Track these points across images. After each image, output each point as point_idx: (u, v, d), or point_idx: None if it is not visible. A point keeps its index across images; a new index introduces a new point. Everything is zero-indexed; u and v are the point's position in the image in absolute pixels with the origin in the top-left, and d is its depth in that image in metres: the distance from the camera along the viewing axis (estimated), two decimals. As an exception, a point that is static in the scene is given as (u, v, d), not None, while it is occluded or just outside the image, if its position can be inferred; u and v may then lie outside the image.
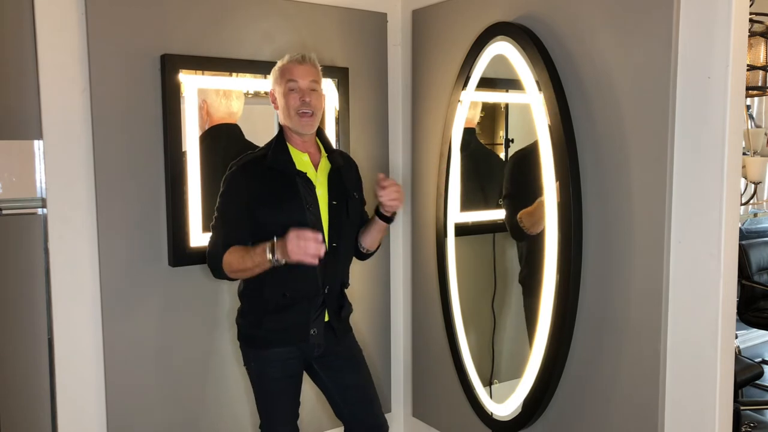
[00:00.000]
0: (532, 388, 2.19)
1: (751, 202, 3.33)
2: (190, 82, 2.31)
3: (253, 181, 1.95)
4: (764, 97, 3.68)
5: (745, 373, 3.10)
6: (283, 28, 2.53)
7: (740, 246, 4.07)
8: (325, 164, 2.06)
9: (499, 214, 2.47)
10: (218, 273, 1.98)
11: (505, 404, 2.34)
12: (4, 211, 2.19)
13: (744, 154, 3.06)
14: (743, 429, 2.65)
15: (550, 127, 2.06)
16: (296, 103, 1.95)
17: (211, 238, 2.00)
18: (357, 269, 2.65)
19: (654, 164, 1.82)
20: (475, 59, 2.38)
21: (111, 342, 2.28)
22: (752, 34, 2.72)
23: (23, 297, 2.22)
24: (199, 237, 2.34)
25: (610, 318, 1.97)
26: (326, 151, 2.08)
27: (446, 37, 2.58)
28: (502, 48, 2.25)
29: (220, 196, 1.99)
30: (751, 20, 2.61)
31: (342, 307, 2.10)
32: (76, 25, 2.17)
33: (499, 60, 2.28)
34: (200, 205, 2.34)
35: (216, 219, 1.99)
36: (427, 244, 2.74)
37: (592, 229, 2.01)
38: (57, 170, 2.18)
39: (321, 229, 2.00)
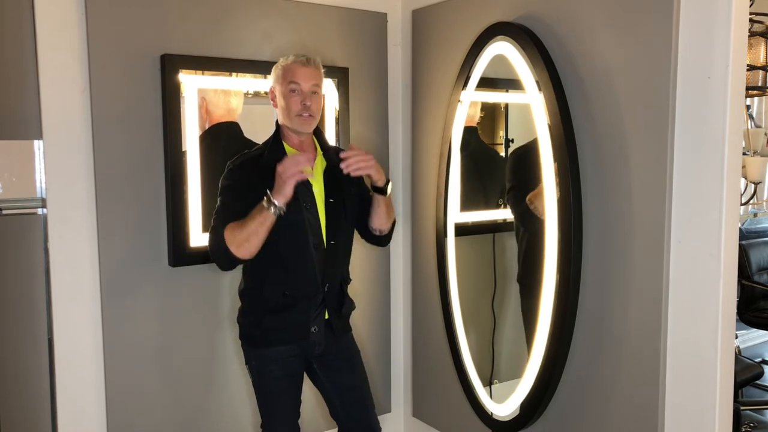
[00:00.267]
0: (532, 388, 2.19)
1: (751, 202, 3.33)
2: (190, 82, 2.31)
3: (250, 180, 1.95)
4: (764, 97, 3.68)
5: (745, 373, 3.10)
6: (283, 28, 2.53)
7: (740, 246, 4.07)
8: (321, 162, 2.07)
9: (499, 214, 2.47)
10: (225, 256, 1.90)
11: (505, 404, 2.34)
12: (4, 211, 2.19)
13: (744, 154, 3.06)
14: (743, 429, 2.64)
15: (550, 127, 2.06)
16: (297, 107, 1.96)
17: (210, 230, 1.96)
18: (357, 269, 2.66)
19: (654, 164, 1.82)
20: (475, 59, 2.38)
21: (111, 342, 2.28)
22: (752, 34, 2.72)
23: (23, 297, 2.22)
24: (199, 237, 2.34)
25: (610, 318, 1.97)
26: (322, 149, 2.09)
27: (446, 37, 2.58)
28: (502, 48, 2.25)
29: (218, 195, 1.99)
30: (751, 20, 2.61)
31: (342, 305, 2.10)
32: (76, 25, 2.17)
33: (499, 60, 2.28)
34: (200, 204, 2.34)
35: (214, 217, 1.98)
36: (427, 244, 2.74)
37: (592, 229, 2.01)
38: (57, 170, 2.18)
39: (318, 228, 2.00)
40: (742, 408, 2.67)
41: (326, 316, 2.05)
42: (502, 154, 2.50)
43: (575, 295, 2.05)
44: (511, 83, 2.24)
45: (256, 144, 2.26)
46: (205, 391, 2.49)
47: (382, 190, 2.04)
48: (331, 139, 2.64)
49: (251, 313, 2.07)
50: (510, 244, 2.45)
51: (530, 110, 2.15)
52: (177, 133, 2.29)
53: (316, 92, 1.99)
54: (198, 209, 2.34)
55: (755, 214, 4.79)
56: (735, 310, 1.85)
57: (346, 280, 2.14)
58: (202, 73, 2.35)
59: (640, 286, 1.89)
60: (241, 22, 2.44)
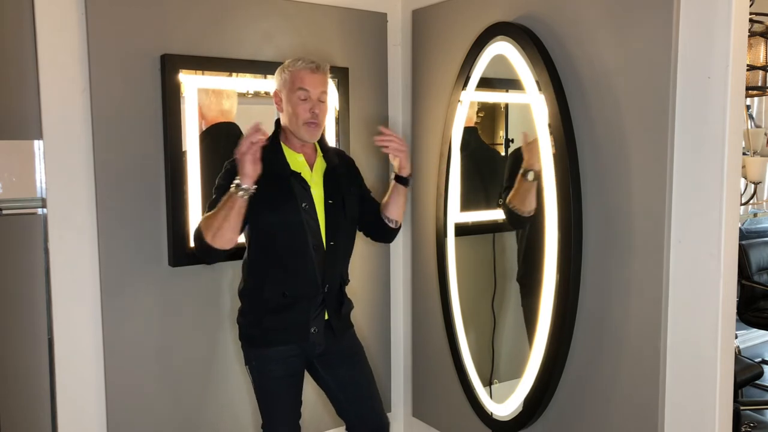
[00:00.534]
0: (532, 388, 2.19)
1: (751, 202, 3.33)
2: (190, 82, 2.31)
3: None
4: (764, 97, 3.68)
5: (745, 373, 3.10)
6: (283, 28, 2.53)
7: (740, 246, 4.07)
8: (320, 164, 2.07)
9: (499, 214, 2.47)
10: (203, 247, 1.89)
11: (505, 404, 2.34)
12: (4, 211, 2.19)
13: (744, 154, 3.06)
14: (743, 429, 2.64)
15: (550, 126, 2.06)
16: (306, 114, 1.96)
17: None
18: (357, 269, 2.66)
19: (654, 164, 1.82)
20: (475, 59, 2.38)
21: (111, 342, 2.28)
22: (752, 34, 2.72)
23: (23, 297, 2.22)
24: (199, 237, 2.34)
25: (610, 318, 1.97)
26: (322, 151, 2.09)
27: (446, 37, 2.58)
28: (502, 48, 2.25)
29: (214, 191, 1.98)
30: (751, 20, 2.61)
31: (342, 305, 2.10)
32: (76, 25, 2.17)
33: (499, 60, 2.28)
34: (200, 205, 2.34)
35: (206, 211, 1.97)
36: (427, 244, 2.74)
37: (592, 229, 2.01)
38: (57, 170, 2.18)
39: (318, 229, 2.00)
40: (742, 408, 2.67)
41: (326, 317, 2.05)
42: (503, 153, 2.50)
43: (575, 295, 2.05)
44: (511, 83, 2.24)
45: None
46: (205, 391, 2.49)
47: (406, 180, 2.07)
48: (331, 139, 2.64)
49: (251, 313, 2.07)
50: (510, 244, 2.45)
51: (530, 110, 2.15)
52: (177, 133, 2.29)
53: (323, 99, 1.99)
54: (198, 209, 2.34)
55: (755, 214, 4.79)
56: (735, 310, 1.85)
57: (345, 281, 2.13)
58: (202, 73, 2.35)
59: (640, 286, 1.89)
60: (241, 22, 2.44)
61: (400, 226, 2.20)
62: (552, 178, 2.06)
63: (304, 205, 1.97)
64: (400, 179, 2.09)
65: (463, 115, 2.49)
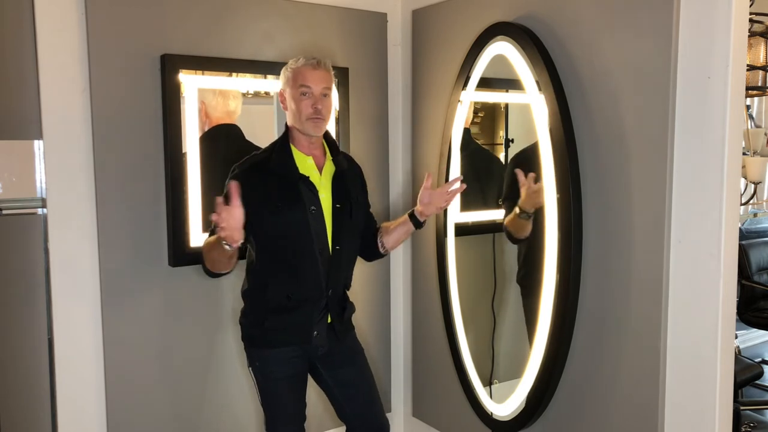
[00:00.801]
0: (532, 388, 2.19)
1: (751, 202, 3.33)
2: (190, 82, 2.31)
3: (256, 185, 1.94)
4: (764, 97, 3.68)
5: (745, 373, 3.10)
6: (283, 28, 2.53)
7: (740, 246, 4.07)
8: (329, 167, 2.06)
9: (499, 214, 2.47)
10: (206, 270, 1.99)
11: (505, 404, 2.34)
12: (4, 211, 2.19)
13: (744, 154, 3.06)
14: (743, 429, 2.65)
15: (550, 126, 2.06)
16: (308, 110, 1.95)
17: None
18: (357, 269, 2.65)
19: (654, 164, 1.82)
20: (475, 59, 2.38)
21: (111, 342, 2.28)
22: (752, 34, 2.72)
23: (23, 297, 2.22)
24: (199, 237, 2.34)
25: (610, 318, 1.97)
26: (331, 154, 2.08)
27: (446, 37, 2.58)
28: (502, 48, 2.25)
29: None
30: (751, 20, 2.61)
31: (344, 309, 2.10)
32: (76, 25, 2.17)
33: (499, 60, 2.28)
34: (200, 204, 2.34)
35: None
36: (427, 244, 2.74)
37: (592, 229, 2.01)
38: (57, 170, 2.18)
39: (324, 233, 2.00)
40: (742, 408, 2.67)
41: (328, 320, 2.05)
42: (503, 154, 2.50)
43: (575, 295, 2.05)
44: (511, 83, 2.24)
45: (256, 146, 2.26)
46: (205, 391, 2.48)
47: (421, 225, 2.12)
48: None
49: (253, 313, 2.06)
50: (510, 245, 2.45)
51: (530, 110, 2.15)
52: (177, 132, 2.29)
53: (326, 95, 1.99)
54: (198, 209, 2.34)
55: (755, 214, 4.79)
56: (735, 310, 1.85)
57: (348, 285, 2.13)
58: (202, 73, 2.35)
59: (640, 286, 1.89)
60: (241, 22, 2.44)
61: (385, 256, 2.22)
62: (552, 177, 2.06)
63: (311, 208, 1.96)
64: (416, 221, 2.11)
65: (463, 115, 2.49)
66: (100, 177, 2.22)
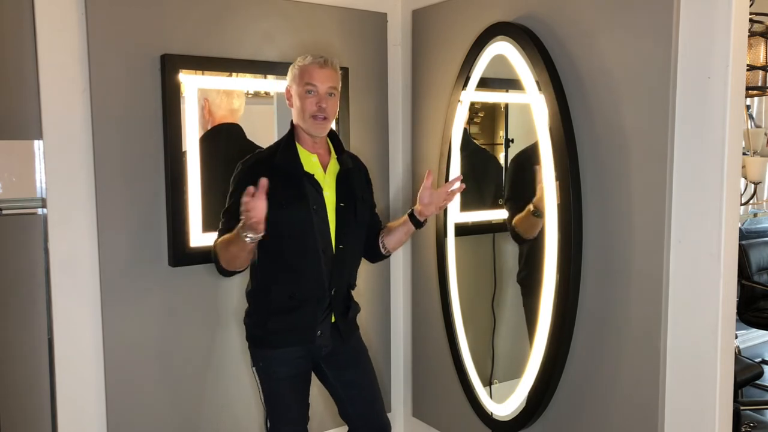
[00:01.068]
0: (532, 388, 2.19)
1: (751, 202, 3.33)
2: (190, 82, 2.31)
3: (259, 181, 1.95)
4: (764, 97, 3.68)
5: (745, 373, 3.10)
6: (283, 28, 2.53)
7: (740, 246, 4.07)
8: (334, 166, 2.05)
9: (499, 214, 2.47)
10: (220, 269, 1.95)
11: (505, 404, 2.34)
12: (4, 211, 2.19)
13: (744, 154, 3.06)
14: (743, 429, 2.65)
15: (550, 127, 2.06)
16: (312, 108, 1.95)
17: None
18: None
19: (654, 164, 1.82)
20: (475, 59, 2.38)
21: (111, 342, 2.28)
22: (752, 34, 2.72)
23: (23, 297, 2.22)
24: (199, 237, 2.34)
25: (610, 318, 1.97)
26: (336, 153, 2.08)
27: (446, 37, 2.58)
28: (502, 48, 2.25)
29: (228, 197, 1.99)
30: (751, 20, 2.61)
31: (348, 308, 2.10)
32: (76, 25, 2.17)
33: (499, 60, 2.28)
34: (200, 204, 2.34)
35: (222, 220, 1.98)
36: (427, 244, 2.74)
37: (592, 229, 2.01)
38: (57, 170, 2.18)
39: (328, 232, 1.99)
40: (742, 408, 2.67)
41: (332, 320, 2.05)
42: (503, 154, 2.50)
43: (575, 295, 2.05)
44: (511, 83, 2.24)
45: (257, 146, 2.26)
46: (205, 392, 2.48)
47: (421, 224, 2.09)
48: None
49: (257, 313, 2.06)
50: (510, 244, 2.45)
51: (530, 110, 2.15)
52: (177, 133, 2.29)
53: (332, 94, 1.98)
54: (198, 209, 2.34)
55: (755, 214, 4.79)
56: (735, 310, 1.85)
57: (353, 284, 2.13)
58: (202, 73, 2.35)
59: (640, 286, 1.89)
60: (241, 22, 2.44)
61: (387, 257, 2.21)
62: (552, 177, 2.06)
63: (314, 207, 1.96)
64: (416, 221, 2.09)
65: (463, 115, 2.49)
66: (100, 177, 2.22)
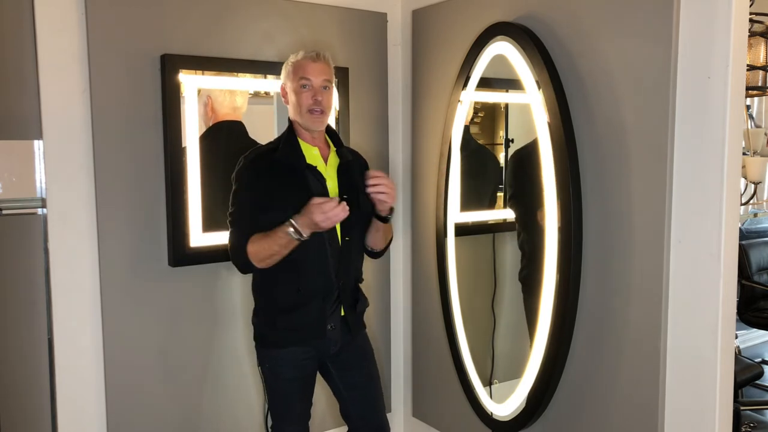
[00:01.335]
0: (532, 388, 2.19)
1: (751, 202, 3.33)
2: (190, 82, 2.31)
3: (264, 175, 1.95)
4: (764, 97, 3.68)
5: (745, 373, 3.10)
6: (283, 28, 2.53)
7: (740, 246, 4.07)
8: (334, 158, 2.06)
9: (499, 214, 2.47)
10: (246, 267, 1.96)
11: (505, 404, 2.34)
12: (4, 211, 2.19)
13: (744, 154, 3.06)
14: (743, 429, 2.65)
15: (550, 126, 2.06)
16: (308, 102, 1.96)
17: (231, 234, 1.98)
18: (357, 269, 2.65)
19: (654, 164, 1.82)
20: (475, 59, 2.38)
21: (111, 342, 2.28)
22: (752, 34, 2.72)
23: (23, 297, 2.22)
24: (199, 237, 2.34)
25: (610, 318, 1.97)
26: (335, 146, 2.08)
27: (446, 37, 2.58)
28: (502, 48, 2.25)
29: (233, 193, 1.99)
30: (751, 20, 2.61)
31: (357, 301, 2.09)
32: (76, 26, 2.17)
33: (499, 60, 2.28)
34: (200, 205, 2.34)
35: (232, 214, 1.98)
36: (427, 244, 2.74)
37: (592, 229, 2.01)
38: (57, 170, 2.18)
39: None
40: (742, 408, 2.67)
41: (342, 313, 2.04)
42: (503, 153, 2.50)
43: (575, 295, 2.05)
44: (511, 83, 2.24)
45: (259, 144, 2.26)
46: (205, 392, 2.48)
47: (384, 218, 2.05)
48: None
49: (265, 311, 2.05)
50: (510, 244, 2.45)
51: (530, 110, 2.15)
52: (177, 133, 2.29)
53: (327, 87, 1.99)
54: (198, 209, 2.33)
55: (755, 214, 4.79)
56: (735, 310, 1.85)
57: (360, 277, 2.13)
58: (202, 73, 2.35)
59: (640, 286, 1.89)
60: (241, 22, 2.44)
61: (380, 252, 2.18)
62: (552, 177, 2.06)
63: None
64: (379, 217, 2.05)
65: (463, 115, 2.49)
66: (100, 177, 2.22)
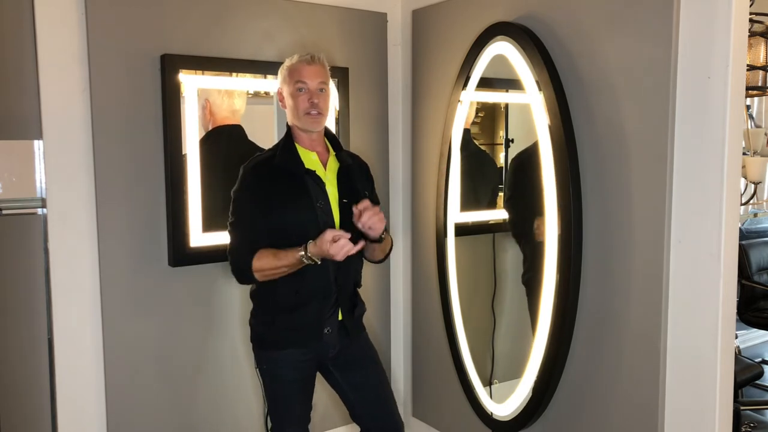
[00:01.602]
0: (532, 388, 2.19)
1: (751, 202, 3.33)
2: (190, 82, 2.31)
3: (264, 182, 1.95)
4: (764, 97, 3.68)
5: (745, 373, 3.10)
6: (283, 28, 2.53)
7: (740, 246, 4.07)
8: (333, 163, 2.05)
9: (499, 214, 2.47)
10: (246, 280, 1.97)
11: (505, 404, 2.34)
12: (4, 211, 2.19)
13: (744, 154, 3.06)
14: (743, 429, 2.65)
15: (550, 127, 2.06)
16: (305, 105, 1.95)
17: (232, 244, 1.98)
18: (357, 269, 2.65)
19: (654, 164, 1.82)
20: (475, 59, 2.38)
21: (111, 342, 2.28)
22: (752, 34, 2.72)
23: (23, 297, 2.22)
24: (199, 237, 2.34)
25: (610, 318, 1.97)
26: (334, 150, 2.08)
27: (446, 37, 2.58)
28: (502, 48, 2.25)
29: (233, 200, 1.99)
30: (751, 20, 2.61)
31: (355, 306, 2.09)
32: (76, 25, 2.17)
33: (499, 60, 2.28)
34: (200, 205, 2.34)
35: (234, 224, 1.97)
36: (427, 244, 2.74)
37: (592, 229, 2.01)
38: (57, 170, 2.18)
39: (332, 227, 1.99)
40: (742, 408, 2.67)
41: (339, 317, 2.04)
42: (503, 154, 2.50)
43: (575, 295, 2.05)
44: (511, 83, 2.24)
45: (259, 147, 2.27)
46: (205, 392, 2.49)
47: (378, 240, 2.01)
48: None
49: (263, 313, 2.05)
50: (510, 244, 2.45)
51: (530, 110, 2.15)
52: (177, 133, 2.29)
53: (323, 89, 1.99)
54: (198, 209, 2.33)
55: (755, 214, 4.79)
56: (735, 310, 1.85)
57: (359, 282, 2.12)
58: (202, 73, 2.35)
59: (640, 286, 1.89)
60: (242, 22, 2.44)
61: (384, 259, 2.16)
62: (552, 177, 2.06)
63: (319, 203, 1.96)
64: (373, 240, 2.00)
65: (463, 115, 2.49)
66: (100, 177, 2.22)
